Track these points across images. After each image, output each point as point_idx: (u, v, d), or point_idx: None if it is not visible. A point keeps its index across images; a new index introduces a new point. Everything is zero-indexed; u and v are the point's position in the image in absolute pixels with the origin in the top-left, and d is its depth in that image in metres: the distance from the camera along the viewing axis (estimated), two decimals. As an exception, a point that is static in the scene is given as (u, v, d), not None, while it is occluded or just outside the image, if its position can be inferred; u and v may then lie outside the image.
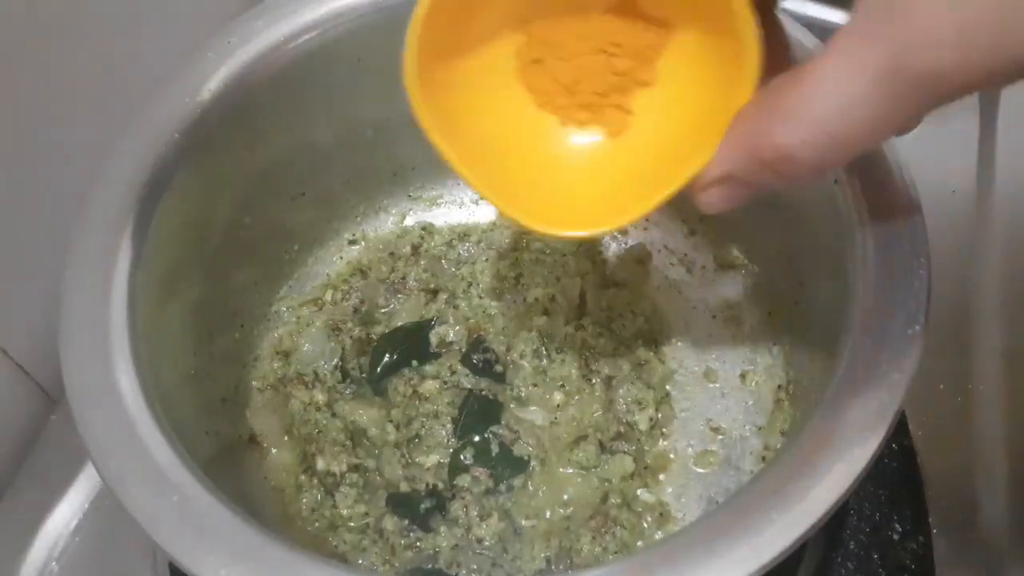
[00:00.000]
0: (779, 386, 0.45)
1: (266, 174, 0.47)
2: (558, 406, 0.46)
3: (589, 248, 0.52)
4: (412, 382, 0.47)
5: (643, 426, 0.45)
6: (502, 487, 0.44)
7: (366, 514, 0.44)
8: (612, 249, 0.52)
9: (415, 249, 0.53)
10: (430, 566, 0.42)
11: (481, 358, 0.47)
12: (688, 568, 0.29)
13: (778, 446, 0.43)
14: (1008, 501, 0.46)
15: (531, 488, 0.44)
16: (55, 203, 0.46)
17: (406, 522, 0.43)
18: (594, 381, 0.46)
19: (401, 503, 0.44)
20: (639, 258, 0.51)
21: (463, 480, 0.44)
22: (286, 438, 0.46)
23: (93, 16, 0.51)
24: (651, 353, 0.47)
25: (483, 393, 0.46)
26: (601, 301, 0.49)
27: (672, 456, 0.45)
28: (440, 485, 0.44)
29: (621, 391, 0.46)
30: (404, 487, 0.44)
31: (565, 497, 0.43)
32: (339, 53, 0.46)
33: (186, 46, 0.44)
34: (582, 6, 0.33)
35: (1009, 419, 0.47)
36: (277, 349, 0.49)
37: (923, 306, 0.34)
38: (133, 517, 0.32)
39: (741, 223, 0.48)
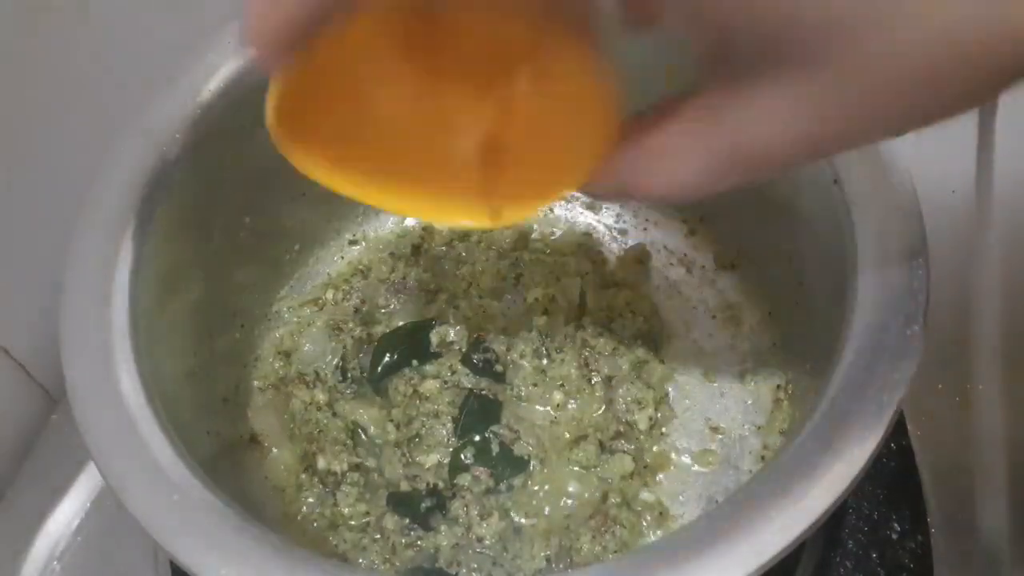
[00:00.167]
0: (778, 386, 0.45)
1: (266, 174, 0.47)
2: (558, 406, 0.46)
3: (589, 248, 0.52)
4: (412, 382, 0.47)
5: (643, 426, 0.45)
6: (502, 486, 0.44)
7: (367, 513, 0.44)
8: (612, 249, 0.52)
9: (415, 249, 0.53)
10: (430, 565, 0.42)
11: (481, 358, 0.47)
12: (688, 567, 0.29)
13: (777, 446, 0.43)
14: (1007, 501, 0.46)
15: (531, 487, 0.44)
16: (55, 203, 0.46)
17: (407, 521, 0.43)
18: (594, 381, 0.46)
19: (402, 502, 0.44)
20: (639, 258, 0.51)
21: (463, 479, 0.44)
22: (287, 438, 0.46)
23: (93, 16, 0.51)
24: (651, 353, 0.47)
25: (483, 393, 0.46)
26: (601, 301, 0.49)
27: (672, 456, 0.45)
28: (440, 484, 0.44)
29: (621, 391, 0.46)
30: (405, 486, 0.44)
31: (565, 496, 0.44)
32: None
33: (186, 46, 0.44)
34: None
35: (1009, 419, 0.47)
36: (278, 349, 0.49)
37: (922, 306, 0.34)
38: (134, 516, 0.32)
39: (741, 223, 0.49)
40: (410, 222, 0.54)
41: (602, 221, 0.54)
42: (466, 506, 0.43)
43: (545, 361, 0.47)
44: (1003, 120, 0.45)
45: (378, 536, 0.43)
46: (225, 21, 0.44)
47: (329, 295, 0.51)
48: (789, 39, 0.24)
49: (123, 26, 0.53)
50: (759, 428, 0.45)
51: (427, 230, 0.53)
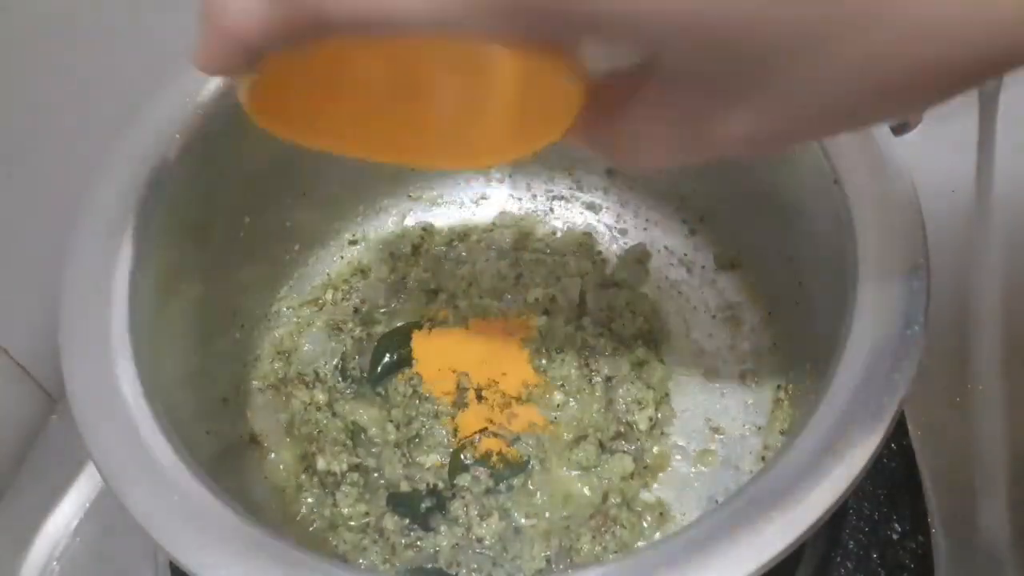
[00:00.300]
0: (778, 386, 0.45)
1: (266, 174, 0.47)
2: (558, 406, 0.46)
3: (589, 248, 0.52)
4: (412, 382, 0.47)
5: (643, 426, 0.45)
6: (502, 487, 0.44)
7: (366, 513, 0.44)
8: (612, 249, 0.52)
9: (415, 249, 0.53)
10: (430, 565, 0.42)
11: (481, 358, 0.47)
12: (688, 568, 0.29)
13: (778, 446, 0.43)
14: (1007, 501, 0.46)
15: (531, 488, 0.44)
16: (55, 203, 0.46)
17: (406, 521, 0.43)
18: (594, 381, 0.46)
19: (401, 502, 0.44)
20: (639, 258, 0.51)
21: (463, 479, 0.44)
22: (287, 438, 0.46)
23: (93, 16, 0.51)
24: (651, 353, 0.47)
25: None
26: (601, 301, 0.49)
27: (672, 456, 0.45)
28: (440, 484, 0.44)
29: (621, 391, 0.46)
30: (404, 486, 0.44)
31: (565, 497, 0.44)
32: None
33: (186, 47, 0.44)
34: None
35: (1009, 419, 0.47)
36: (278, 349, 0.49)
37: (922, 306, 0.34)
38: (134, 517, 0.32)
39: (741, 223, 0.49)
40: (410, 222, 0.54)
41: (602, 221, 0.54)
42: (466, 506, 0.43)
43: (545, 361, 0.47)
44: (1003, 120, 0.45)
45: (378, 536, 0.43)
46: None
47: (329, 295, 0.51)
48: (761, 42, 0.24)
49: (123, 26, 0.53)
50: (759, 428, 0.45)
51: (427, 230, 0.53)
